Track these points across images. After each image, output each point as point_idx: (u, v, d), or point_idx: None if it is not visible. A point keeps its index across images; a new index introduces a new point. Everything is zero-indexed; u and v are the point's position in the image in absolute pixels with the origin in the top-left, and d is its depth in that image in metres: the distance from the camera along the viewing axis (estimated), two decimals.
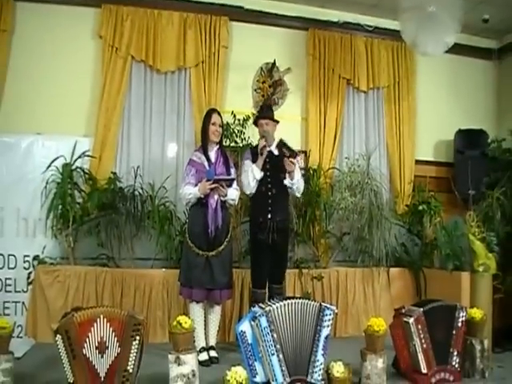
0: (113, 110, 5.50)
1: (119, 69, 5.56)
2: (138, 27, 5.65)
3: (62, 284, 4.75)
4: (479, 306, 4.18)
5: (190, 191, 4.20)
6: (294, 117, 6.25)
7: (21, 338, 4.77)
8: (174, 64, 5.76)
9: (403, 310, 3.84)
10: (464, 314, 3.85)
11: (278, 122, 4.66)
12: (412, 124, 6.58)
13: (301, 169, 5.03)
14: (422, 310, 3.73)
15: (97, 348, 3.06)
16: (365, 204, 5.44)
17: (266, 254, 4.44)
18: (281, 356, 3.26)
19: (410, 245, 5.86)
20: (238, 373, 2.91)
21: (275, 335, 3.26)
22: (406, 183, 6.40)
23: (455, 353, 3.77)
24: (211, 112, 4.48)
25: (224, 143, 4.80)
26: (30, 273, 4.93)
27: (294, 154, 4.38)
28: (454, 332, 3.78)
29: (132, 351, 3.12)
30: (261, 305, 3.46)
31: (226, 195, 4.23)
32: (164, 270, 5.02)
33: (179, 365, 3.13)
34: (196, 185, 4.21)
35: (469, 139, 6.38)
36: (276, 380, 3.22)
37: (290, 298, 3.60)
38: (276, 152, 4.54)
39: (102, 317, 3.09)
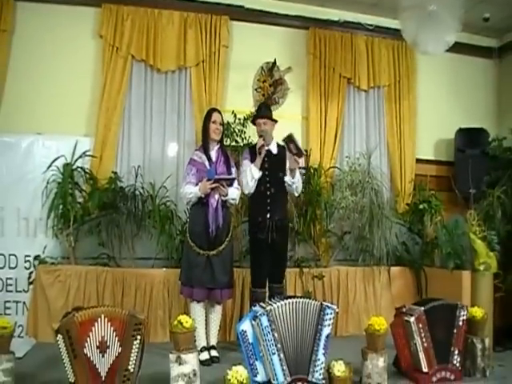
0: (113, 110, 5.50)
1: (120, 68, 5.56)
2: (138, 27, 5.65)
3: (63, 284, 4.75)
4: (480, 305, 4.18)
5: (191, 190, 4.21)
6: (295, 116, 6.25)
7: (22, 337, 4.77)
8: (174, 63, 5.75)
9: (404, 309, 3.84)
10: (465, 312, 3.85)
11: (276, 121, 4.66)
12: (412, 123, 6.58)
13: (302, 168, 5.04)
14: (422, 308, 3.73)
15: (98, 347, 3.06)
16: (365, 203, 5.44)
17: (265, 253, 4.43)
18: (282, 355, 3.26)
19: (410, 244, 5.87)
20: (239, 372, 2.91)
21: (276, 334, 3.26)
22: (407, 182, 6.40)
23: (456, 352, 3.76)
24: (212, 111, 4.49)
25: (224, 142, 4.80)
26: (30, 272, 4.94)
27: (300, 153, 4.38)
28: (454, 331, 3.78)
29: (133, 351, 3.12)
30: (262, 304, 3.46)
31: (226, 195, 4.23)
32: (165, 269, 5.02)
33: (180, 364, 3.13)
34: (197, 184, 4.21)
35: (469, 138, 6.38)
36: (277, 379, 3.23)
37: (290, 297, 3.60)
38: (275, 151, 4.55)
39: (102, 316, 3.09)
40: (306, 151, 5.98)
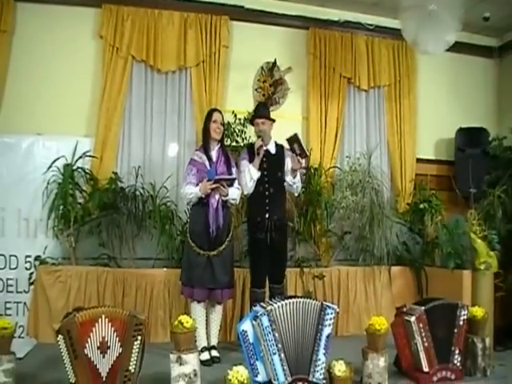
0: (113, 110, 5.50)
1: (120, 69, 5.56)
2: (138, 27, 5.65)
3: (64, 284, 4.75)
4: (481, 305, 4.18)
5: (191, 191, 4.21)
6: (295, 116, 6.25)
7: (22, 338, 4.77)
8: (174, 64, 5.75)
9: (404, 309, 3.84)
10: (465, 312, 3.85)
11: (274, 120, 4.66)
12: (413, 122, 6.58)
13: (303, 168, 5.04)
14: (423, 308, 3.73)
15: (98, 348, 3.06)
16: (366, 203, 5.44)
17: (264, 253, 4.43)
18: (282, 355, 3.26)
19: (411, 243, 5.87)
20: (240, 372, 2.91)
21: (277, 334, 3.26)
22: (407, 182, 6.40)
23: (457, 351, 3.76)
24: (212, 111, 4.51)
25: (225, 143, 4.79)
26: (31, 273, 4.94)
27: (304, 154, 4.39)
28: (455, 330, 3.78)
29: (134, 351, 3.12)
30: (262, 304, 3.46)
31: (227, 195, 4.23)
32: (165, 269, 5.02)
33: (181, 364, 3.13)
34: (197, 184, 4.21)
35: (470, 137, 6.38)
36: (278, 379, 3.22)
37: (291, 297, 3.60)
38: (273, 151, 4.56)
39: (103, 317, 3.09)
40: (307, 150, 5.97)
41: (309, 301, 3.43)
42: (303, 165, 4.52)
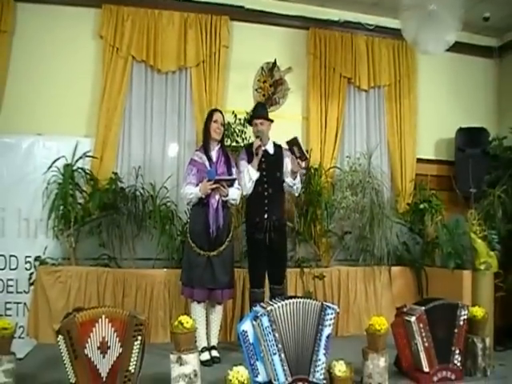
0: (114, 111, 5.51)
1: (120, 69, 5.57)
2: (138, 27, 5.65)
3: (64, 284, 4.75)
4: (481, 305, 4.18)
5: (191, 191, 4.20)
6: (295, 116, 6.25)
7: (22, 338, 4.77)
8: (174, 64, 5.76)
9: (405, 309, 3.84)
10: (466, 312, 3.84)
11: (272, 121, 4.65)
12: (413, 122, 6.59)
13: (303, 168, 5.04)
14: (423, 308, 3.73)
15: (98, 348, 3.07)
16: (366, 203, 5.44)
17: (263, 253, 4.43)
18: (282, 355, 3.25)
19: (411, 243, 5.87)
20: (240, 372, 2.92)
21: (277, 335, 3.26)
22: (408, 182, 6.41)
23: (457, 351, 3.76)
24: (213, 111, 4.50)
25: (225, 143, 4.79)
26: (31, 273, 4.93)
27: (304, 157, 4.40)
28: (455, 330, 3.78)
29: (134, 351, 3.12)
30: (262, 304, 3.46)
31: (227, 195, 4.23)
32: (165, 269, 5.02)
33: (181, 365, 3.13)
34: (197, 184, 4.21)
35: (470, 137, 6.38)
36: (278, 379, 3.22)
37: (291, 297, 3.59)
38: (271, 151, 4.56)
39: (103, 317, 3.09)
40: (307, 151, 5.97)
41: (309, 301, 3.43)
42: (303, 167, 4.52)
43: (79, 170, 5.14)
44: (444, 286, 5.07)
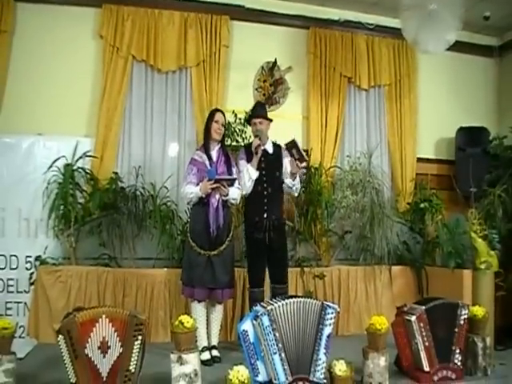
0: (114, 110, 5.51)
1: (120, 69, 5.57)
2: (138, 27, 5.65)
3: (64, 284, 4.75)
4: (481, 304, 4.17)
5: (192, 190, 4.20)
6: (295, 115, 6.25)
7: (23, 338, 4.77)
8: (174, 63, 5.76)
9: (405, 308, 3.84)
10: (466, 311, 3.84)
11: (271, 120, 4.65)
12: (413, 122, 6.58)
13: (303, 168, 5.04)
14: (423, 307, 3.72)
15: (99, 348, 3.06)
16: (366, 202, 5.44)
17: (262, 253, 4.43)
18: (283, 355, 3.25)
19: (411, 243, 5.86)
20: (240, 372, 2.91)
21: (277, 334, 3.26)
22: (408, 181, 6.41)
23: (457, 351, 3.76)
24: (215, 111, 4.49)
25: (225, 142, 4.79)
26: (31, 273, 4.93)
27: (303, 159, 4.40)
28: (456, 330, 3.77)
29: (134, 351, 3.12)
30: (263, 304, 3.46)
31: (227, 195, 4.23)
32: (166, 269, 5.02)
33: (181, 364, 3.13)
34: (197, 184, 4.21)
35: (470, 137, 6.38)
36: (278, 379, 3.22)
37: (291, 296, 3.60)
38: (270, 150, 4.56)
39: (103, 317, 3.09)
40: (307, 151, 5.98)
41: (309, 300, 3.43)
42: (302, 167, 4.51)
43: (79, 170, 5.14)
44: (444, 286, 5.08)
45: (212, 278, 4.11)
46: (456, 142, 6.49)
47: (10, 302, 5.02)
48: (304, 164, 4.55)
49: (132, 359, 3.11)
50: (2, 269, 5.04)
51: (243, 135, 5.60)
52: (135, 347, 3.12)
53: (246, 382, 2.89)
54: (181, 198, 4.94)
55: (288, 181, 4.49)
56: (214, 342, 4.29)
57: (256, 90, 6.12)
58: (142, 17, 5.68)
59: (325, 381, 3.34)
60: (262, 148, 4.45)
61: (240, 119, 5.65)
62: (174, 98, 5.82)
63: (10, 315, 4.88)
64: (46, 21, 5.52)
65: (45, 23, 5.52)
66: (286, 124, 5.84)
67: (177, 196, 5.40)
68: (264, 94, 6.12)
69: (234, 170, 4.40)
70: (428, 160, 6.70)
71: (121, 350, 3.10)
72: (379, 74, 6.48)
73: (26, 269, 5.03)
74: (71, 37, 5.57)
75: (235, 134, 5.59)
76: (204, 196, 4.17)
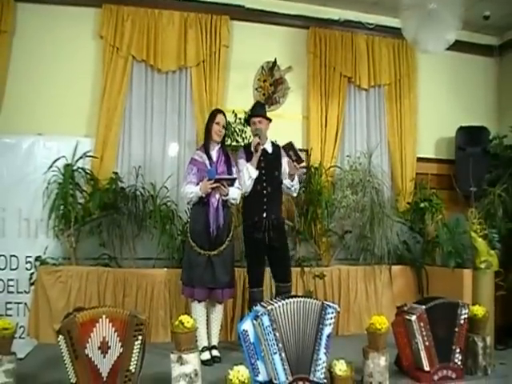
0: (114, 110, 5.51)
1: (120, 69, 5.57)
2: (138, 27, 5.65)
3: (64, 284, 4.75)
4: (481, 304, 4.17)
5: (192, 190, 4.20)
6: (295, 115, 6.25)
7: (23, 338, 4.77)
8: (174, 63, 5.76)
9: (405, 308, 3.84)
10: (466, 311, 3.84)
11: (270, 120, 4.65)
12: (413, 121, 6.59)
13: (302, 167, 5.04)
14: (424, 307, 3.72)
15: (99, 348, 3.06)
16: (366, 202, 5.44)
17: (262, 253, 4.44)
18: (283, 355, 3.25)
19: (411, 242, 5.86)
20: (241, 372, 2.91)
21: (277, 334, 3.26)
22: (408, 181, 6.41)
23: (457, 350, 3.75)
24: (216, 112, 4.48)
25: (225, 142, 4.78)
26: (32, 273, 4.93)
27: (300, 160, 4.41)
28: (456, 329, 3.77)
29: (134, 351, 3.12)
30: (263, 303, 3.46)
31: (227, 194, 4.23)
32: (166, 269, 5.02)
33: (181, 364, 3.13)
34: (197, 184, 4.21)
35: (470, 136, 6.38)
36: (278, 379, 3.22)
37: (292, 296, 3.59)
38: (270, 150, 4.56)
39: (104, 317, 3.09)
40: (307, 151, 5.98)
41: (309, 300, 3.43)
42: (300, 167, 4.52)
43: (79, 170, 5.14)
44: (444, 285, 5.08)
45: (212, 278, 4.11)
46: (456, 141, 6.49)
47: (11, 303, 5.03)
48: (303, 165, 4.55)
49: (132, 359, 3.11)
50: (2, 269, 5.04)
51: (243, 135, 5.60)
52: (135, 347, 3.12)
53: (246, 381, 2.89)
54: (181, 198, 4.94)
55: (286, 181, 4.50)
56: (214, 341, 4.29)
57: (256, 89, 6.12)
58: (142, 17, 5.68)
59: (325, 381, 3.34)
60: (262, 147, 4.45)
61: (240, 119, 5.64)
62: (173, 98, 5.82)
63: (11, 315, 4.88)
64: (46, 21, 5.52)
65: (45, 23, 5.52)
66: (286, 124, 5.85)
67: (177, 196, 5.40)
68: (264, 94, 6.12)
69: (234, 169, 4.40)
70: (428, 159, 6.70)
71: (121, 350, 3.10)
72: (379, 74, 6.48)
73: (26, 269, 5.03)
74: (71, 37, 5.57)
75: (235, 134, 5.59)
76: (204, 196, 4.17)
